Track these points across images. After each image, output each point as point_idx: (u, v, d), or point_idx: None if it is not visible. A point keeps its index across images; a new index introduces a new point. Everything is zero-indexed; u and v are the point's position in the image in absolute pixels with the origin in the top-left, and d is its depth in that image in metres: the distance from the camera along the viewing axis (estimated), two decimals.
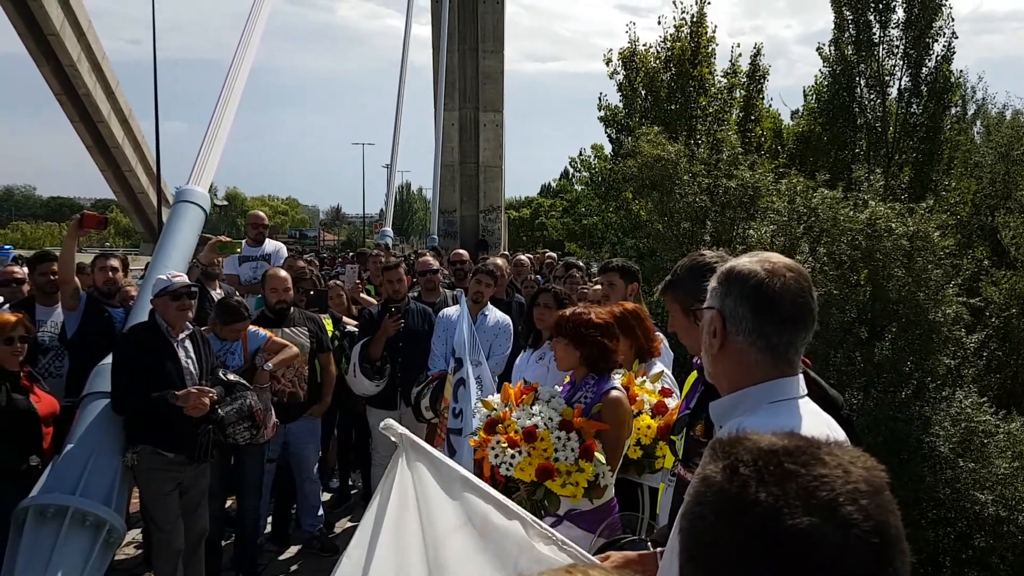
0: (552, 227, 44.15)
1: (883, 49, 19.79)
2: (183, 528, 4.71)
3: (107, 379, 4.62)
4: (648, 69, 20.24)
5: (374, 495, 2.37)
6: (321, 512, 6.27)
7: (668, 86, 19.92)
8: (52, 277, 5.74)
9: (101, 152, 35.80)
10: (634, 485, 3.93)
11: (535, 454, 3.30)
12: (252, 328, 5.56)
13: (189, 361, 4.73)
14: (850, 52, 19.97)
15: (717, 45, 20.29)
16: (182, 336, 4.74)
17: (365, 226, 71.91)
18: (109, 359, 4.73)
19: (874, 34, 19.78)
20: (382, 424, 2.41)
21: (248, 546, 5.68)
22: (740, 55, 20.53)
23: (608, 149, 23.35)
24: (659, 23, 20.71)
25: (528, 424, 3.36)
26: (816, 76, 21.51)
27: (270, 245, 8.13)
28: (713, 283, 1.77)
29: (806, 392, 1.73)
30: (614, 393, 3.49)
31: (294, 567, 6.01)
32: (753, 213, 14.90)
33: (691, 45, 19.90)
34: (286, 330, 5.81)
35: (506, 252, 17.59)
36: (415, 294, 6.81)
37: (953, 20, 19.48)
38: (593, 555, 2.42)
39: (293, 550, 6.23)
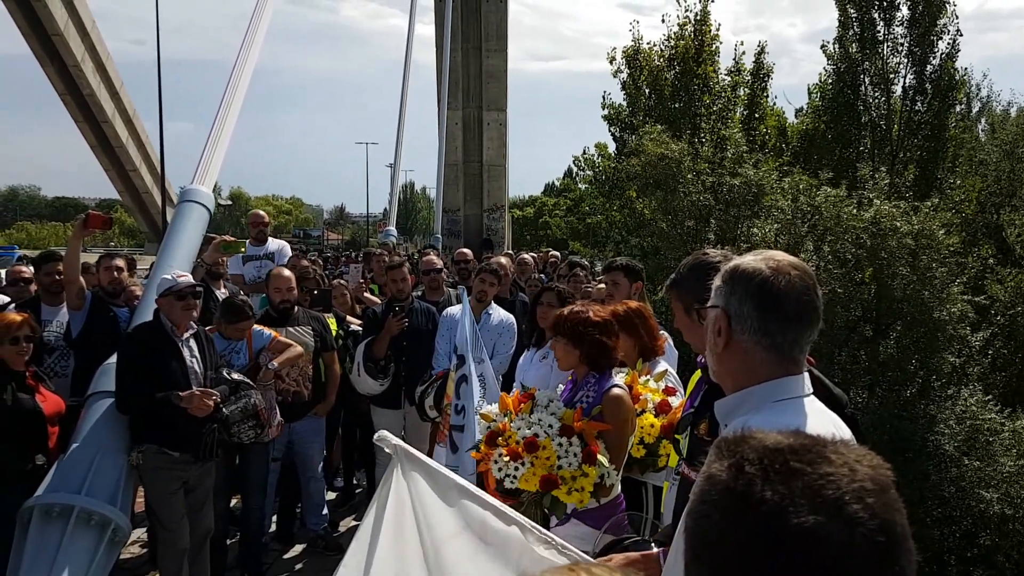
0: (556, 226, 44.17)
1: (887, 47, 19.72)
2: (188, 527, 4.72)
3: (112, 379, 4.63)
4: (652, 67, 20.20)
5: (370, 505, 2.38)
6: (326, 511, 6.28)
7: (672, 84, 19.87)
8: (57, 277, 5.76)
9: (105, 152, 35.88)
10: (638, 484, 3.93)
11: (538, 464, 3.29)
12: (257, 327, 5.57)
13: (194, 360, 4.74)
14: (854, 50, 19.90)
15: (721, 43, 20.25)
16: (186, 336, 4.75)
17: (369, 225, 71.94)
18: (114, 359, 4.74)
19: (878, 32, 19.72)
20: (376, 436, 2.42)
21: (253, 545, 5.69)
22: (744, 53, 20.49)
23: (612, 148, 23.31)
24: (663, 21, 20.69)
25: (528, 434, 3.35)
26: (820, 74, 21.45)
27: (274, 244, 8.14)
28: (718, 282, 1.76)
29: (811, 390, 1.73)
30: (615, 391, 3.49)
31: (299, 566, 6.02)
32: (757, 211, 14.86)
33: (695, 43, 19.85)
34: (290, 329, 5.81)
35: (510, 251, 17.60)
36: (419, 293, 6.81)
37: (957, 18, 19.43)
38: (596, 553, 2.42)
39: (298, 549, 6.25)
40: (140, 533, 5.95)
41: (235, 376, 4.98)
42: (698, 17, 20.08)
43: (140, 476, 4.61)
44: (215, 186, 6.87)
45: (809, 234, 14.18)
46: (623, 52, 20.68)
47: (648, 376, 4.04)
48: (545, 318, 5.01)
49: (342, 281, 7.83)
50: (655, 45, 20.48)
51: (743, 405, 1.71)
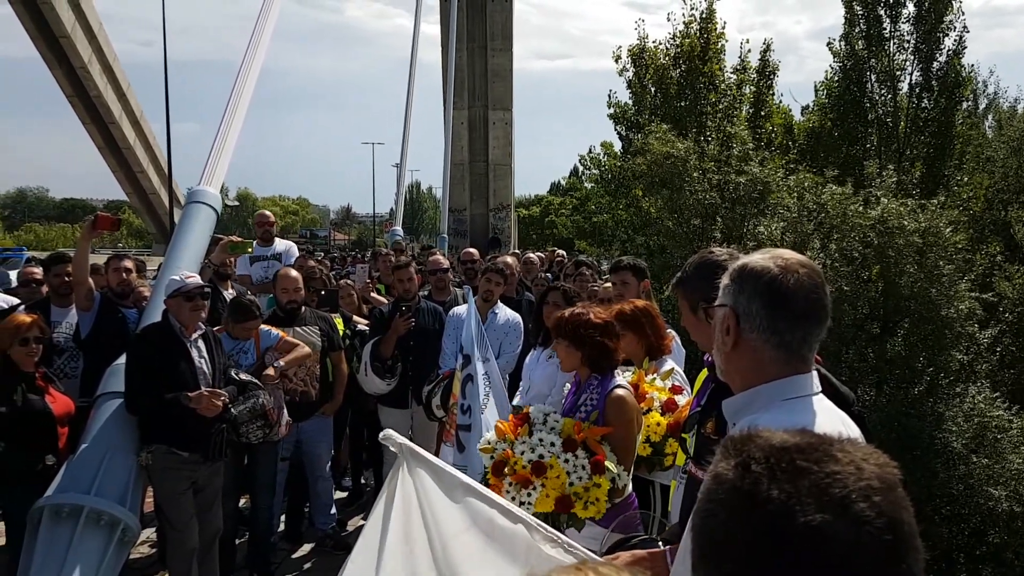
0: (562, 225, 44.12)
1: (894, 44, 19.67)
2: (197, 527, 4.73)
3: (121, 379, 4.65)
4: (657, 66, 20.18)
5: (376, 503, 2.38)
6: (334, 510, 6.30)
7: (678, 83, 19.85)
8: (66, 278, 5.78)
9: (113, 153, 36.02)
10: (645, 482, 3.93)
11: (549, 485, 3.28)
12: (264, 327, 5.58)
13: (202, 361, 4.75)
14: (861, 47, 19.85)
15: (727, 41, 20.23)
16: (195, 336, 4.76)
17: (375, 225, 72.03)
18: (123, 359, 4.76)
19: (884, 29, 19.66)
20: (382, 435, 2.42)
21: (262, 544, 5.70)
22: (750, 51, 20.47)
23: (618, 146, 23.28)
24: (668, 20, 20.69)
25: (533, 457, 3.33)
26: (827, 71, 21.41)
27: (281, 244, 8.16)
28: (725, 280, 1.76)
29: (820, 389, 1.73)
30: (617, 392, 3.48)
31: (307, 565, 6.04)
32: (763, 209, 14.83)
33: (701, 42, 19.82)
34: (298, 329, 5.83)
35: (517, 250, 17.60)
36: (426, 293, 6.82)
37: (964, 14, 19.35)
38: (604, 552, 2.43)
39: (306, 548, 6.26)
40: (149, 533, 5.97)
41: (243, 376, 5.00)
42: (704, 15, 20.06)
43: (149, 476, 4.63)
44: (222, 187, 6.89)
45: (815, 232, 14.14)
46: (629, 51, 20.66)
47: (655, 375, 4.04)
48: (551, 317, 5.01)
49: (349, 281, 7.84)
50: (661, 44, 20.47)
51: (751, 404, 1.70)
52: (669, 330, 4.48)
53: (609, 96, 22.00)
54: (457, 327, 5.77)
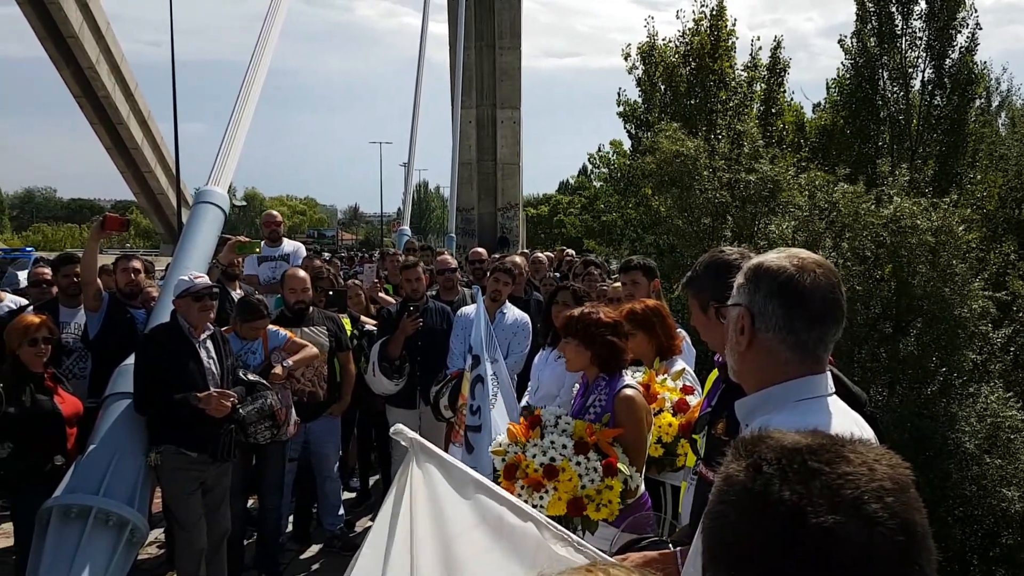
0: (570, 224, 44.05)
1: (906, 41, 19.59)
2: (205, 527, 4.74)
3: (129, 380, 4.65)
4: (667, 63, 20.15)
5: (385, 498, 2.37)
6: (342, 511, 6.30)
7: (687, 80, 19.82)
8: (75, 279, 5.80)
9: (121, 154, 36.22)
10: (656, 483, 3.91)
11: (561, 487, 3.27)
12: (272, 327, 5.59)
13: (211, 361, 4.76)
14: (872, 44, 19.77)
15: (737, 39, 20.20)
16: (203, 336, 4.77)
17: (383, 225, 72.19)
18: (131, 360, 4.77)
19: (896, 26, 19.58)
20: (392, 430, 2.41)
21: (270, 545, 5.71)
22: (760, 48, 20.43)
23: (627, 145, 23.25)
24: (677, 17, 20.59)
25: (545, 461, 3.32)
26: (838, 68, 21.34)
27: (289, 245, 8.17)
28: (740, 279, 1.74)
29: (834, 389, 1.71)
30: (626, 392, 3.46)
31: (315, 566, 6.04)
32: (774, 208, 14.79)
33: (710, 39, 19.79)
34: (305, 329, 5.83)
35: (525, 250, 17.59)
36: (433, 293, 6.82)
37: (976, 11, 19.28)
38: (614, 552, 2.41)
39: (314, 549, 6.26)
40: (157, 534, 5.97)
41: (251, 377, 5.00)
42: (714, 12, 20.02)
43: (158, 477, 4.64)
44: (230, 187, 6.90)
45: (827, 231, 14.09)
46: (638, 48, 20.65)
47: (665, 375, 4.02)
48: (560, 317, 4.99)
49: (357, 281, 7.84)
50: (671, 41, 20.44)
51: (765, 404, 1.69)
52: (679, 330, 4.45)
53: (618, 94, 22.01)
54: (465, 327, 5.76)
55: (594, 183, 42.53)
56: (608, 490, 3.26)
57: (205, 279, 4.91)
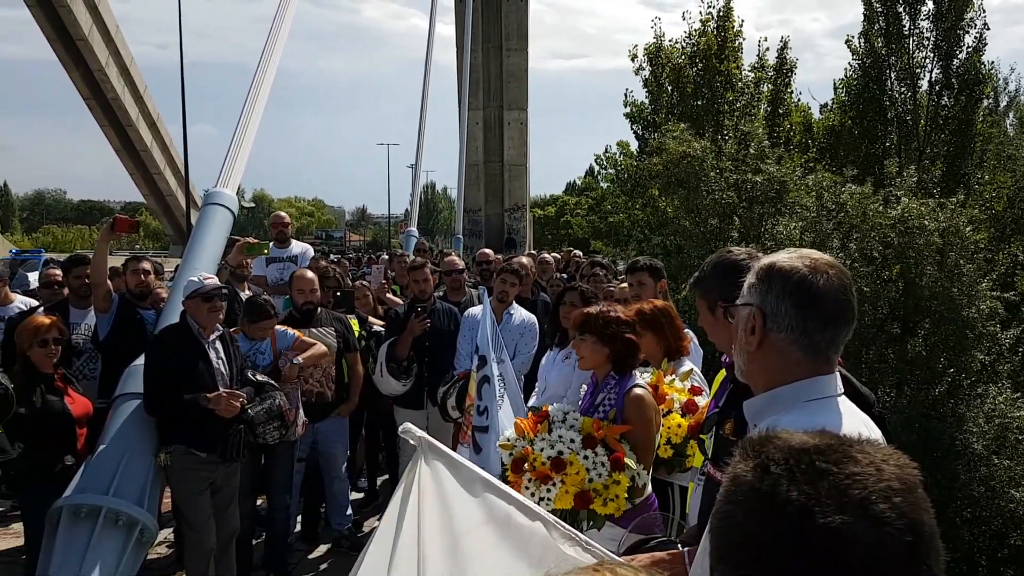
0: (577, 225, 44.03)
1: (913, 41, 19.51)
2: (214, 527, 4.75)
3: (139, 380, 4.67)
4: (674, 65, 20.11)
5: (393, 495, 2.38)
6: (350, 511, 6.32)
7: (694, 81, 19.78)
8: (86, 280, 5.83)
9: (130, 156, 36.36)
10: (664, 484, 3.91)
11: (568, 481, 3.27)
12: (280, 327, 5.60)
13: (220, 362, 4.77)
14: (880, 44, 19.70)
15: (744, 39, 20.15)
16: (212, 337, 4.79)
17: (391, 226, 72.24)
18: (141, 360, 4.78)
19: (904, 26, 19.51)
20: (401, 428, 2.41)
21: (278, 545, 5.72)
22: (768, 49, 20.37)
23: (634, 146, 23.21)
24: (684, 19, 20.55)
25: (553, 454, 3.32)
26: (845, 69, 21.27)
27: (297, 247, 8.19)
28: (751, 279, 1.73)
29: (843, 390, 1.71)
30: (636, 391, 3.46)
31: (323, 566, 6.05)
32: (780, 208, 14.74)
33: (717, 40, 19.75)
34: (313, 330, 5.85)
35: (532, 251, 17.58)
36: (441, 294, 6.82)
37: (984, 11, 19.20)
38: (621, 553, 2.41)
39: (322, 549, 6.28)
40: (167, 533, 6.00)
41: (259, 377, 5.02)
42: (721, 13, 19.98)
43: (167, 477, 4.66)
44: (239, 188, 6.92)
45: (835, 232, 14.04)
46: (645, 49, 20.60)
47: (673, 376, 4.01)
48: (568, 318, 4.99)
49: (365, 282, 7.86)
50: (677, 42, 20.40)
51: (773, 404, 1.68)
52: (687, 331, 4.45)
53: (625, 95, 21.96)
54: (472, 328, 5.77)
55: (601, 184, 42.49)
56: (615, 485, 3.26)
57: (215, 280, 4.94)
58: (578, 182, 60.35)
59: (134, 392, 4.69)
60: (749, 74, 20.02)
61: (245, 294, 6.78)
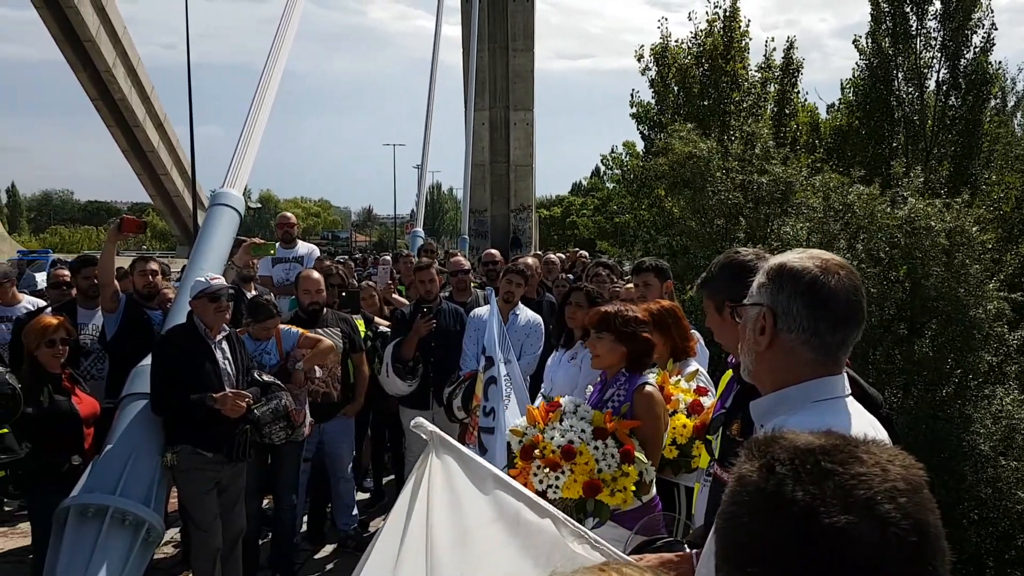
0: (583, 225, 43.99)
1: (920, 41, 19.47)
2: (221, 527, 4.76)
3: (146, 380, 4.69)
4: (680, 65, 20.09)
5: (403, 489, 2.38)
6: (356, 511, 6.32)
7: (701, 82, 19.74)
8: (94, 281, 5.85)
9: (137, 156, 36.47)
10: (670, 485, 3.90)
11: (578, 470, 3.27)
12: (284, 327, 5.61)
13: (226, 362, 4.79)
14: (887, 45, 19.66)
15: (751, 40, 20.12)
16: (219, 337, 4.80)
17: (396, 227, 72.33)
18: (148, 361, 4.80)
19: (911, 26, 19.47)
20: (413, 422, 2.41)
21: (284, 545, 5.73)
22: (774, 49, 20.33)
23: (640, 146, 23.18)
24: (690, 19, 20.52)
25: (563, 442, 3.33)
26: (853, 69, 21.24)
27: (303, 247, 8.20)
28: (761, 279, 1.72)
29: (850, 391, 1.70)
30: (646, 388, 3.47)
31: (329, 566, 6.06)
32: (787, 209, 14.72)
33: (723, 40, 19.71)
34: (319, 331, 5.85)
35: (538, 251, 17.57)
36: (447, 294, 6.83)
37: (992, 11, 19.16)
38: (627, 553, 2.41)
39: (328, 549, 6.29)
40: (173, 533, 6.01)
41: (265, 377, 5.03)
42: (727, 13, 19.94)
43: (174, 477, 4.67)
44: (245, 189, 6.93)
45: (842, 232, 14.01)
46: (651, 50, 20.58)
47: (679, 376, 4.01)
48: (574, 318, 4.99)
49: (371, 282, 7.86)
50: (683, 42, 20.37)
51: (781, 405, 1.68)
52: (693, 331, 4.44)
53: (631, 95, 21.95)
54: (478, 328, 5.77)
55: (607, 184, 42.48)
56: (624, 477, 3.26)
57: (221, 280, 4.95)
58: (584, 182, 60.27)
59: (141, 392, 4.70)
60: (755, 74, 19.98)
61: (251, 294, 6.80)
